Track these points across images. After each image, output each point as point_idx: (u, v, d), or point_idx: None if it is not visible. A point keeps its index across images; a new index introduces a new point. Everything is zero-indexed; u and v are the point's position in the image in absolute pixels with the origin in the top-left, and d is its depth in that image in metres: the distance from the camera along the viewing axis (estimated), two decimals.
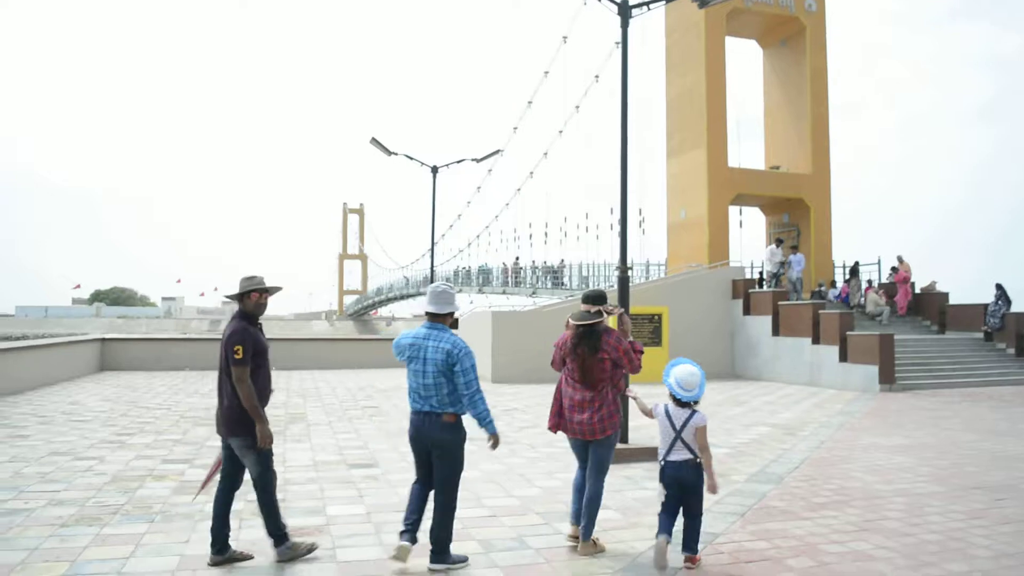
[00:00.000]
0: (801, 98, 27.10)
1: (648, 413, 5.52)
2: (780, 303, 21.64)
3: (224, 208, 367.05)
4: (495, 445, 5.22)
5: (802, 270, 23.54)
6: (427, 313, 5.29)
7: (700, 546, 5.37)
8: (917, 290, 24.08)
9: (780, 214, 27.94)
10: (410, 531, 5.17)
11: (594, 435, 5.48)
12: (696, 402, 5.28)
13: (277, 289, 5.43)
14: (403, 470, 8.40)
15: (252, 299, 5.22)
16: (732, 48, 26.91)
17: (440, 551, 5.13)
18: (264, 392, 5.21)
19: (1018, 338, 20.99)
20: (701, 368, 5.39)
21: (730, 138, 25.78)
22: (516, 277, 41.48)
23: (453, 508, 5.17)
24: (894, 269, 24.05)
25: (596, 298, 5.69)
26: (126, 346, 25.35)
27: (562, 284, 36.60)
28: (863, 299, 23.48)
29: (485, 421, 5.09)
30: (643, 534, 5.97)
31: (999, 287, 21.53)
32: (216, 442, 10.16)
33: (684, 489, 5.22)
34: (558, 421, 5.69)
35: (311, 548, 5.34)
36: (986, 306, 21.63)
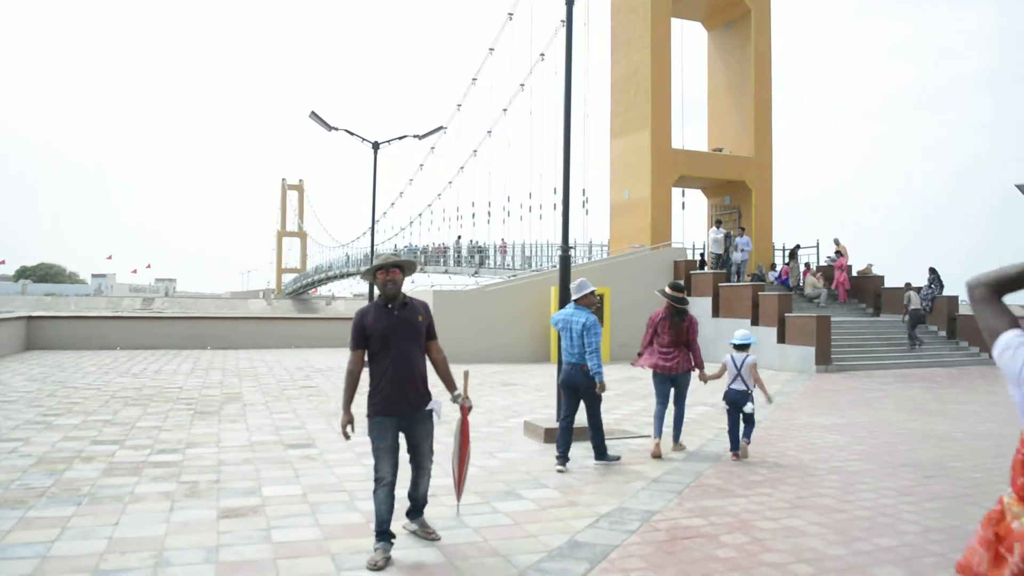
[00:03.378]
0: (745, 81, 27.35)
1: (719, 372, 8.36)
2: (720, 284, 21.91)
3: (159, 182, 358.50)
4: (602, 390, 7.51)
5: (749, 252, 23.80)
6: (573, 299, 7.81)
7: (638, 524, 5.61)
8: (854, 273, 24.58)
9: (722, 196, 28.24)
10: (563, 455, 7.61)
11: (677, 371, 8.32)
12: (749, 346, 8.25)
13: (409, 265, 5.10)
14: (340, 450, 8.28)
15: (379, 278, 4.91)
16: (677, 29, 27.03)
17: (600, 452, 7.83)
18: (383, 377, 4.88)
19: (949, 321, 21.60)
20: (752, 335, 8.55)
21: (674, 120, 25.93)
22: (458, 256, 41.34)
23: (600, 423, 7.79)
24: (838, 253, 24.47)
25: (683, 287, 8.61)
26: (54, 324, 24.64)
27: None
28: (802, 281, 23.90)
29: (595, 371, 7.42)
30: (581, 512, 5.97)
31: (932, 271, 22.09)
32: (145, 423, 9.94)
33: (737, 407, 8.16)
34: (650, 363, 8.45)
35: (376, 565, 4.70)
36: (919, 289, 22.17)
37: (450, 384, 5.17)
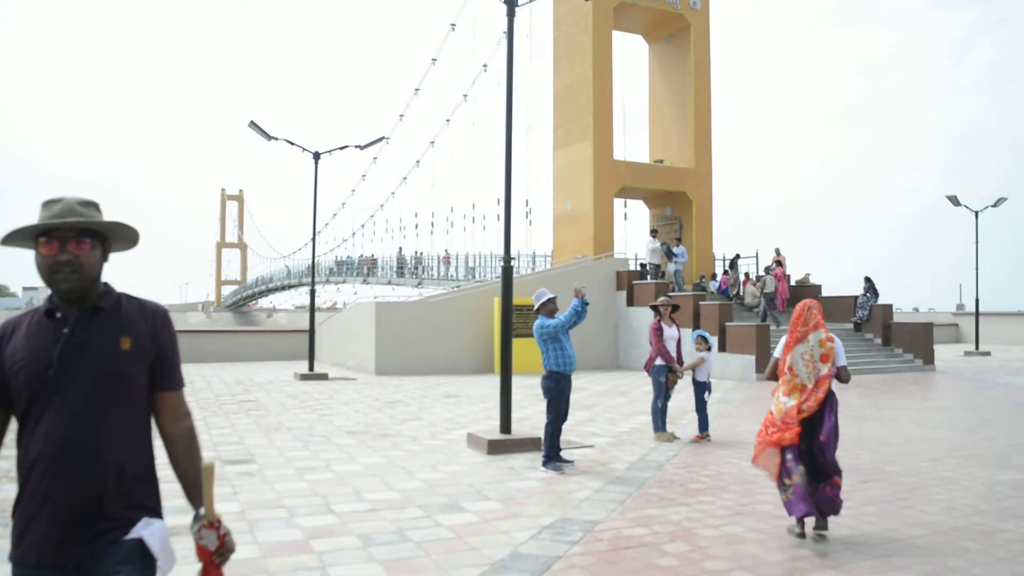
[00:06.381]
0: (685, 94, 27.76)
1: (697, 363, 9.89)
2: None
3: (94, 190, 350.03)
4: (581, 295, 8.34)
5: (684, 263, 24.06)
6: (535, 311, 8.39)
7: (581, 534, 5.59)
8: (792, 283, 24.97)
9: (663, 207, 28.55)
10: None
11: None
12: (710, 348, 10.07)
13: (121, 230, 2.34)
14: (280, 466, 8.13)
15: (43, 255, 2.21)
16: (619, 42, 27.35)
17: (545, 458, 8.05)
18: (31, 468, 2.20)
19: (884, 328, 22.09)
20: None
21: (616, 131, 26.20)
22: (400, 267, 41.13)
23: (551, 430, 8.07)
24: (778, 263, 24.84)
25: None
26: None
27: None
28: (742, 291, 24.24)
29: (576, 317, 8.24)
30: (524, 524, 5.93)
31: (868, 280, 22.58)
32: None
33: (704, 392, 9.87)
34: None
35: None
36: (856, 298, 22.63)
37: (194, 489, 2.48)
